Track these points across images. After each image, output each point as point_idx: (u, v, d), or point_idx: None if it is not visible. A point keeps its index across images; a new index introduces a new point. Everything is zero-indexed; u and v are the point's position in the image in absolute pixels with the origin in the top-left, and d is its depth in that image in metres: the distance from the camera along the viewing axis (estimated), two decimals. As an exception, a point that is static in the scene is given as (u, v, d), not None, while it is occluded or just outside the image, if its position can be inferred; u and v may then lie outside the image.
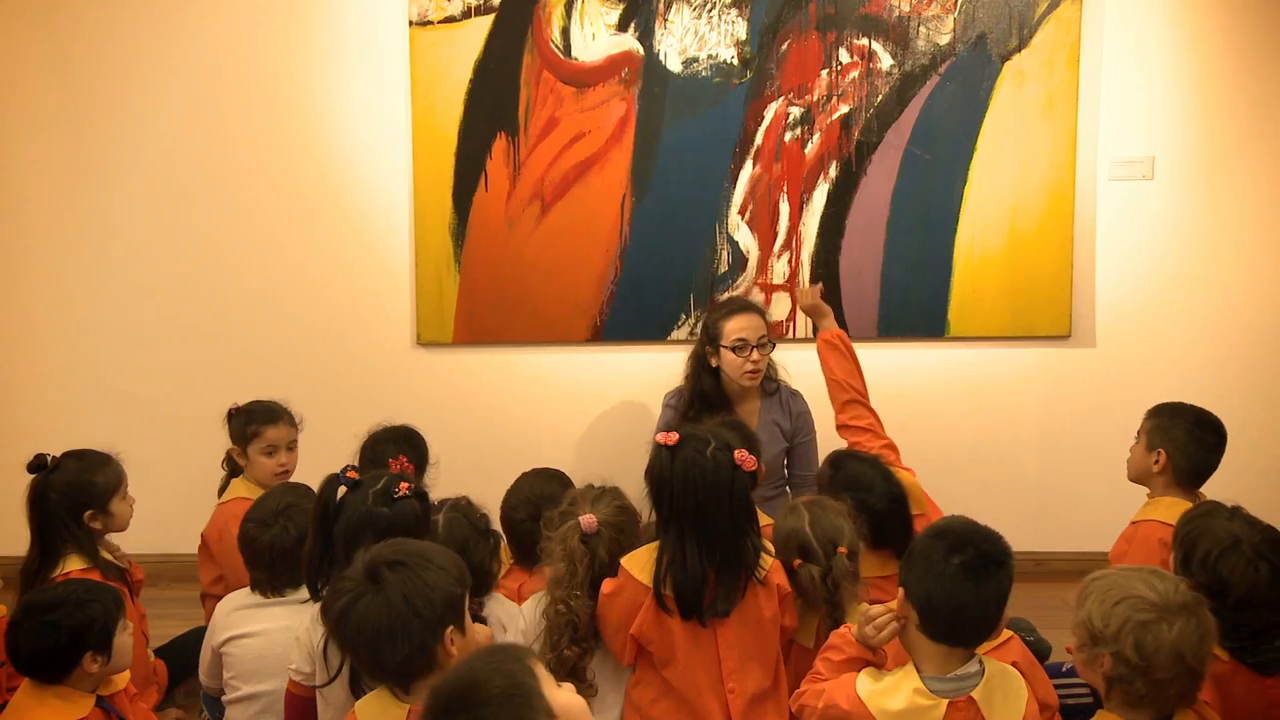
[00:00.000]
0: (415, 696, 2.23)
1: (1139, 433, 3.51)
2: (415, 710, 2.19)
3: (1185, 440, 3.37)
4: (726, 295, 4.60)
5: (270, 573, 3.07)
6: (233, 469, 3.84)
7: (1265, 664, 2.69)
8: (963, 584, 2.26)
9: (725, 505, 2.61)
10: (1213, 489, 3.53)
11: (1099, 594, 2.26)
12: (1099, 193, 4.64)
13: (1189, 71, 4.60)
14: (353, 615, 2.20)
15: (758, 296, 4.65)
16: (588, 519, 2.73)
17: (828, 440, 3.91)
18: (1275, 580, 2.61)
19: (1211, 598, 2.51)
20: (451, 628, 2.23)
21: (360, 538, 2.59)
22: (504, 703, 1.68)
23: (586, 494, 2.88)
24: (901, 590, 2.37)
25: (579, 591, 2.69)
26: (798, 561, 2.81)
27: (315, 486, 2.78)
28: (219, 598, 3.31)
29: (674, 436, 2.65)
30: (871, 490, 3.12)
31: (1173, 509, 3.16)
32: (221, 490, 3.83)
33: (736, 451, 2.62)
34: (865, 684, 2.36)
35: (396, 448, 3.61)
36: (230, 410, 3.81)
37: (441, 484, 3.54)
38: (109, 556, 3.34)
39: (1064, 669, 3.18)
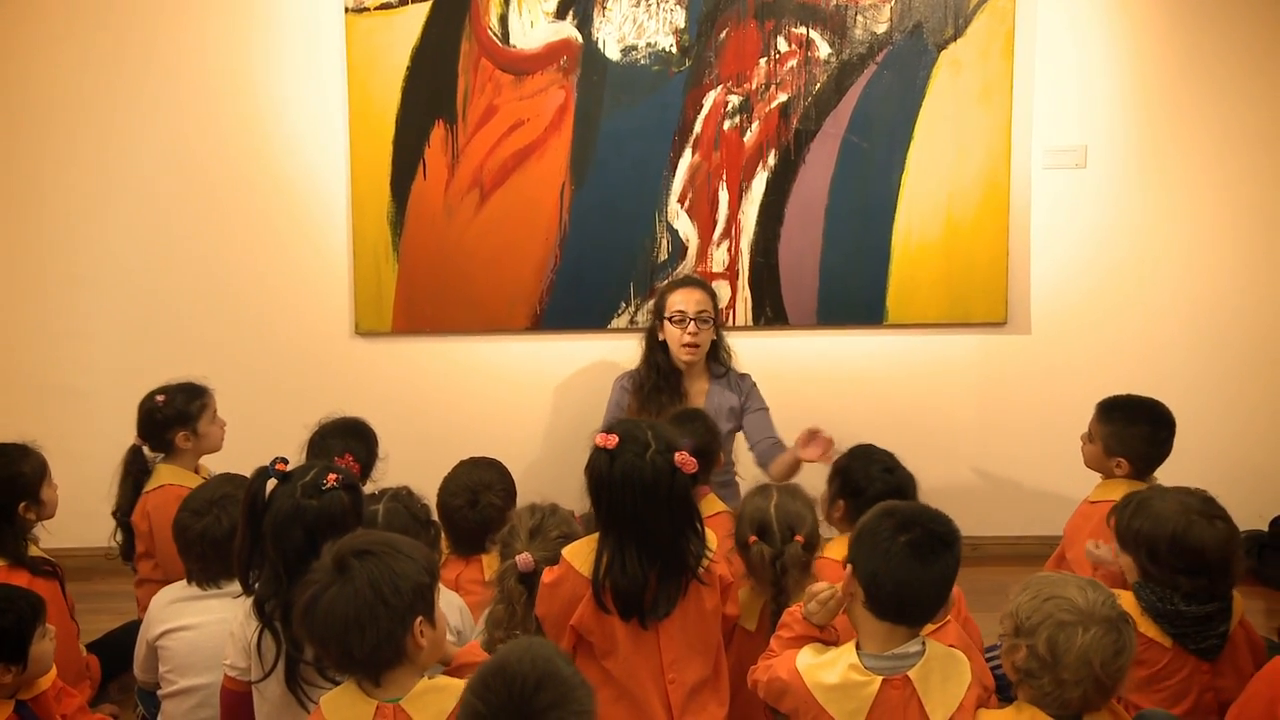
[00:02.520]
0: (385, 690, 2.21)
1: (1091, 432, 3.56)
2: (383, 707, 2.18)
3: (1145, 448, 3.47)
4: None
5: (202, 563, 3.03)
6: (140, 464, 3.73)
7: (1207, 650, 2.77)
8: (908, 562, 2.28)
9: (665, 510, 2.56)
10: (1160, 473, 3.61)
11: (1033, 589, 2.30)
12: (1034, 181, 4.69)
13: (1122, 61, 4.65)
14: (320, 606, 2.16)
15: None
16: (524, 559, 2.69)
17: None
18: (1232, 531, 2.76)
19: (1189, 572, 2.67)
20: (421, 618, 2.20)
21: (288, 530, 2.56)
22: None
23: (526, 521, 2.84)
24: (849, 566, 2.39)
25: (519, 631, 2.67)
26: (753, 539, 2.85)
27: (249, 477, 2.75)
28: (156, 583, 3.27)
29: (613, 439, 2.58)
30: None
31: (1129, 489, 3.25)
32: (125, 485, 3.72)
33: (676, 454, 2.56)
34: (805, 657, 2.39)
35: (343, 442, 3.57)
36: (155, 400, 3.71)
37: (384, 473, 3.53)
38: (38, 551, 3.29)
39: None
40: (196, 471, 3.75)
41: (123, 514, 3.69)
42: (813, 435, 3.69)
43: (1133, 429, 3.48)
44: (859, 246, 4.68)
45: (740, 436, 4.17)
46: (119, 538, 3.71)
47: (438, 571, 2.32)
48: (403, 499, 3.06)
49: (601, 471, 2.58)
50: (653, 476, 2.54)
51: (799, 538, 2.84)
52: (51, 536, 3.46)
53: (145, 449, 3.74)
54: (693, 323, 4.00)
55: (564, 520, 2.86)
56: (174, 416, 3.69)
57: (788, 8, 4.59)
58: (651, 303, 4.39)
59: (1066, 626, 2.20)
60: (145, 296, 4.79)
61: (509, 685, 1.87)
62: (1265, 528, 4.60)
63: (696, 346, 4.03)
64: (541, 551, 2.74)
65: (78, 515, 3.70)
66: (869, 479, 3.13)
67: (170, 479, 3.65)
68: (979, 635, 2.97)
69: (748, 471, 4.10)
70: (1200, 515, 2.75)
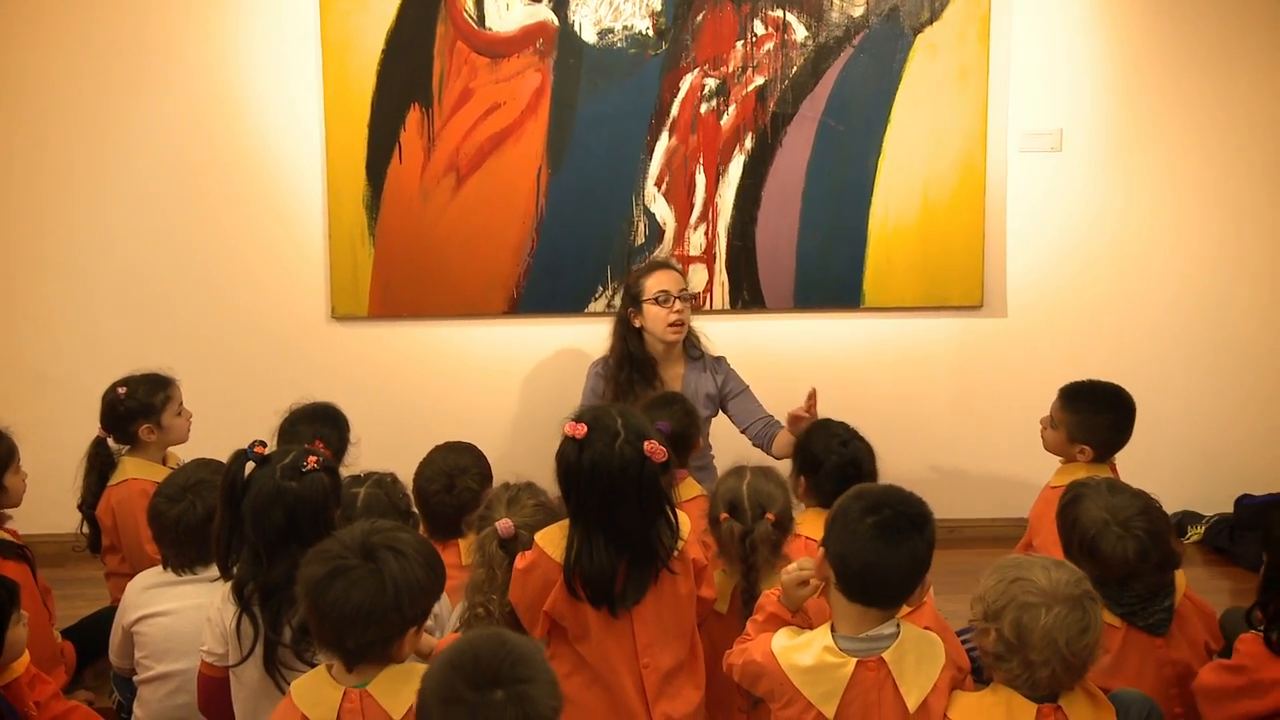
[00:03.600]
0: (355, 678, 2.23)
1: (1053, 417, 3.61)
2: (350, 692, 2.20)
3: (1108, 435, 3.54)
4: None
5: (178, 549, 3.02)
6: (104, 456, 3.68)
7: (1155, 625, 2.81)
8: (873, 544, 2.29)
9: (634, 500, 2.54)
10: (1119, 454, 3.64)
11: (1000, 572, 2.32)
12: (1010, 165, 4.70)
13: (1098, 45, 4.66)
14: (336, 587, 2.16)
15: (674, 268, 4.67)
16: (504, 524, 2.70)
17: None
18: (1143, 554, 2.74)
19: (1099, 576, 2.63)
20: (414, 628, 2.24)
21: (268, 513, 2.56)
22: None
23: (502, 495, 2.84)
24: (822, 549, 2.39)
25: (497, 596, 2.67)
26: (724, 515, 2.86)
27: (226, 461, 2.74)
28: (124, 575, 3.25)
29: (581, 429, 2.56)
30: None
31: (1089, 474, 3.30)
32: (89, 477, 3.67)
33: (646, 443, 2.55)
34: (781, 640, 2.40)
35: (314, 427, 3.54)
36: (117, 391, 3.67)
37: (357, 458, 3.52)
38: (7, 535, 3.26)
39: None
40: (164, 463, 3.71)
41: (88, 507, 3.65)
42: (800, 417, 3.72)
43: (1098, 418, 3.54)
44: (836, 230, 4.69)
45: (716, 421, 4.18)
46: (85, 529, 3.67)
47: (443, 586, 2.34)
48: (385, 485, 3.06)
49: (570, 461, 2.57)
50: (621, 466, 2.53)
51: (770, 516, 2.85)
52: (22, 524, 3.44)
53: (110, 440, 3.70)
54: (677, 300, 4.02)
55: (539, 492, 2.88)
56: (137, 409, 3.65)
57: (764, -9, 4.59)
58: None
59: (1030, 608, 2.23)
60: (117, 282, 4.75)
61: (474, 653, 1.86)
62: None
63: (683, 324, 4.05)
64: (520, 518, 2.74)
65: (50, 502, 3.68)
66: (826, 452, 3.17)
67: (135, 473, 3.62)
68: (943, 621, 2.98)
69: (726, 455, 4.10)
70: (1119, 527, 2.76)
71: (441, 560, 2.33)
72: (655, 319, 4.05)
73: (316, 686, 2.24)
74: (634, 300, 4.10)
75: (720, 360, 4.21)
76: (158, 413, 3.67)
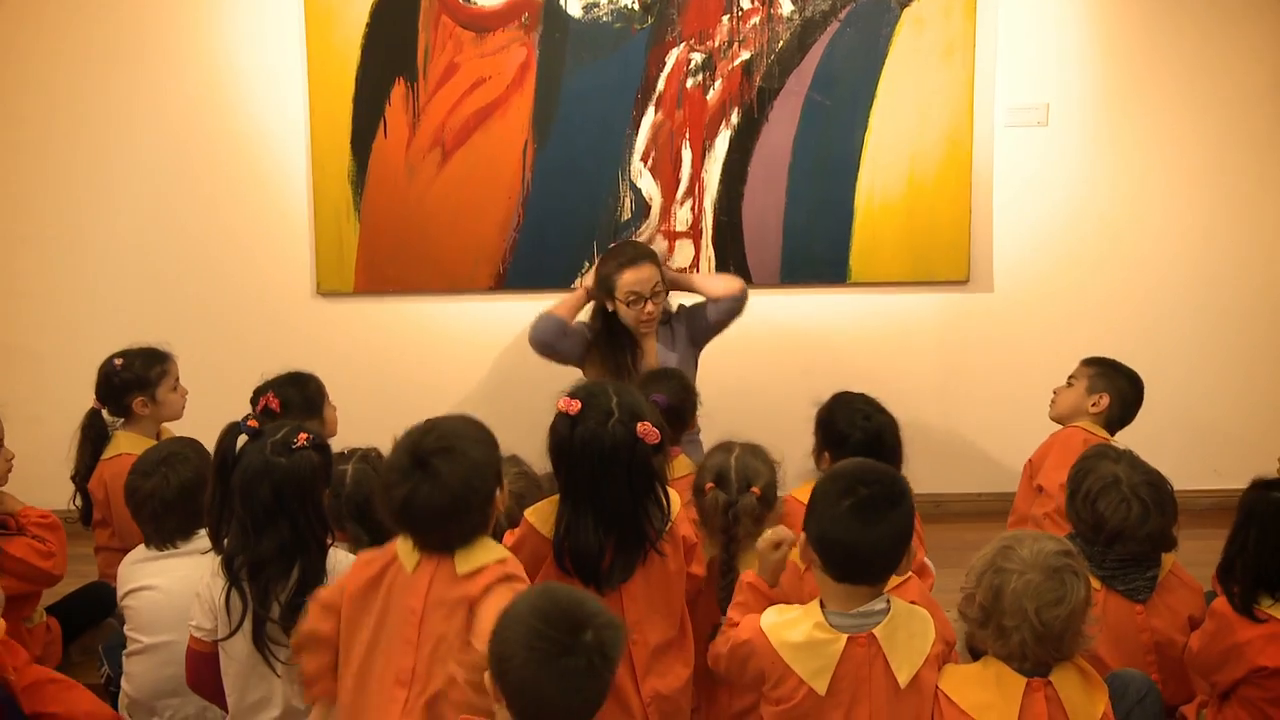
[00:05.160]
0: None
1: (1074, 378, 3.76)
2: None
3: (1127, 389, 3.72)
4: (618, 242, 4.51)
5: (155, 524, 3.03)
6: (99, 428, 3.69)
7: (1134, 590, 2.90)
8: (851, 525, 2.30)
9: (624, 480, 2.54)
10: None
11: (994, 545, 2.35)
12: (996, 139, 4.70)
13: (1084, 19, 4.66)
14: (416, 503, 2.28)
15: (661, 244, 4.66)
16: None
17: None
18: (1145, 518, 2.84)
19: (1091, 531, 2.81)
20: (498, 487, 2.38)
21: (256, 487, 2.57)
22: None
23: None
24: (804, 534, 2.40)
25: None
26: (710, 485, 2.88)
27: (213, 438, 2.73)
28: (114, 550, 3.25)
29: (575, 405, 2.56)
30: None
31: (1093, 424, 3.66)
32: (83, 449, 3.67)
33: (639, 424, 2.54)
34: (770, 616, 2.41)
35: (277, 389, 3.47)
36: (114, 363, 3.67)
37: (342, 434, 3.51)
38: None
39: None
40: (158, 438, 3.71)
41: (81, 479, 3.65)
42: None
43: (1118, 373, 3.74)
44: (822, 205, 4.68)
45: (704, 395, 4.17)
46: (78, 502, 3.67)
47: (496, 442, 2.44)
48: (372, 460, 3.05)
49: (562, 436, 2.57)
50: (612, 446, 2.53)
51: (755, 489, 2.87)
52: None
53: (104, 413, 3.69)
54: (649, 302, 3.95)
55: (521, 463, 2.94)
56: (132, 381, 3.64)
57: (751, -36, 4.57)
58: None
59: (1003, 572, 2.26)
60: (98, 258, 4.72)
61: (553, 600, 2.00)
62: (1227, 486, 4.67)
63: (654, 320, 4.01)
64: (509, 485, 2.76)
65: (37, 479, 3.65)
66: (850, 427, 3.15)
67: (128, 447, 3.59)
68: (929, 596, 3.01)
69: (712, 432, 4.09)
70: (1127, 488, 2.86)
71: (479, 422, 2.44)
72: (627, 317, 3.98)
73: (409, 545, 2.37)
74: (608, 292, 4.00)
75: (677, 311, 4.16)
76: (153, 386, 3.66)
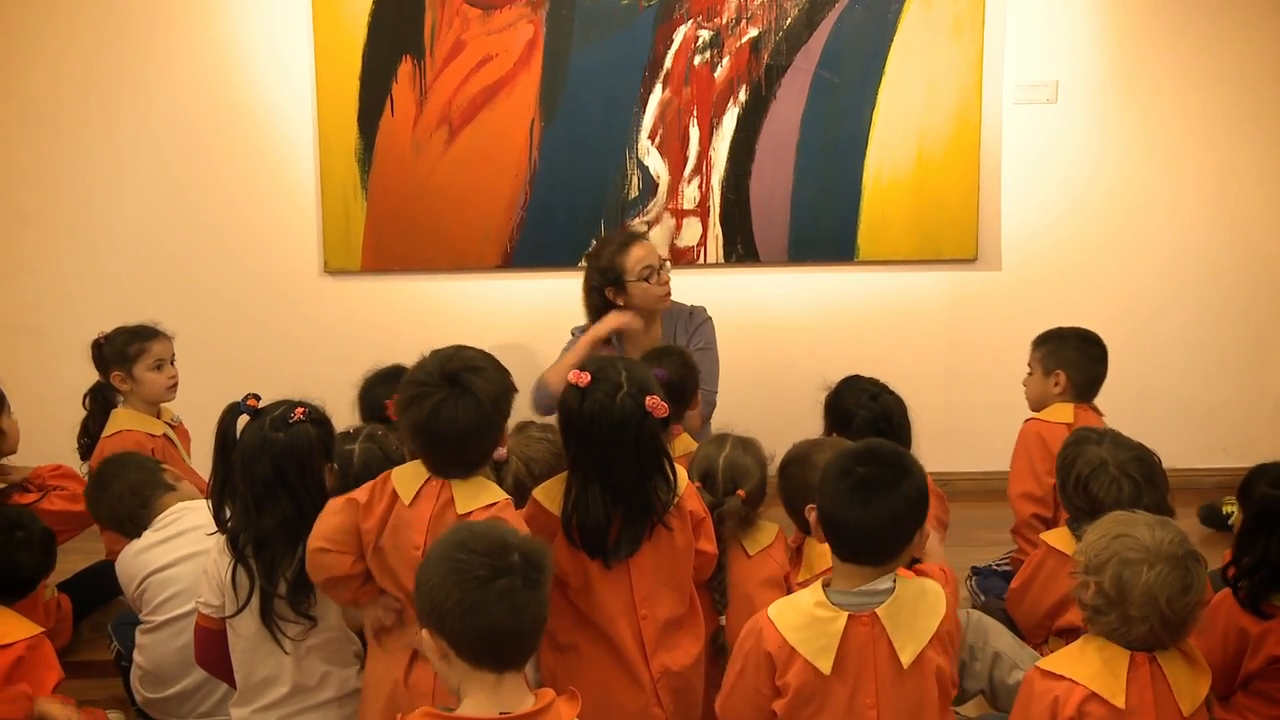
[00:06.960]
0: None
1: (1030, 364, 3.70)
2: (433, 481, 2.46)
3: (1076, 357, 3.62)
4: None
5: (122, 529, 3.17)
6: (104, 403, 3.71)
7: None
8: (851, 504, 2.29)
9: (632, 453, 2.55)
10: (1114, 407, 3.66)
11: (1103, 528, 2.34)
12: (1004, 116, 4.68)
13: (1093, -5, 4.64)
14: (443, 416, 2.37)
15: (668, 222, 4.67)
16: (499, 450, 2.72)
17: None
18: (1138, 495, 2.83)
19: (1088, 516, 2.74)
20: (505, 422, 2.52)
21: (255, 463, 2.57)
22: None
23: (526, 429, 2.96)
24: (812, 511, 2.41)
25: None
26: (697, 484, 2.86)
27: (219, 415, 2.73)
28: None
29: (585, 377, 2.57)
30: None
31: (1055, 412, 3.58)
32: (87, 429, 3.71)
33: (648, 398, 2.56)
34: (773, 608, 2.39)
35: (389, 387, 3.35)
36: (98, 339, 3.69)
37: (349, 413, 3.51)
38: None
39: (994, 566, 3.62)
40: (158, 416, 3.72)
41: (85, 453, 3.68)
42: None
43: (1063, 343, 3.65)
44: (830, 183, 4.67)
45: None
46: (85, 471, 3.68)
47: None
48: (378, 439, 3.06)
49: (572, 408, 2.58)
50: (621, 418, 2.54)
51: (741, 492, 2.85)
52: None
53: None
54: (662, 270, 3.92)
55: (549, 429, 2.95)
56: (110, 356, 3.66)
57: (759, -60, 4.55)
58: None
59: (1132, 564, 2.25)
60: (104, 235, 4.73)
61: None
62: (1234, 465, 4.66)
63: (669, 291, 3.96)
64: (524, 449, 2.87)
65: (42, 457, 3.67)
66: (856, 407, 3.18)
67: (128, 424, 3.61)
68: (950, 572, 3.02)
69: (717, 407, 4.10)
70: (1115, 469, 2.87)
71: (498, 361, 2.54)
72: (646, 295, 3.90)
73: (411, 474, 2.48)
74: (614, 281, 3.92)
75: (696, 311, 4.13)
76: (130, 363, 3.63)
